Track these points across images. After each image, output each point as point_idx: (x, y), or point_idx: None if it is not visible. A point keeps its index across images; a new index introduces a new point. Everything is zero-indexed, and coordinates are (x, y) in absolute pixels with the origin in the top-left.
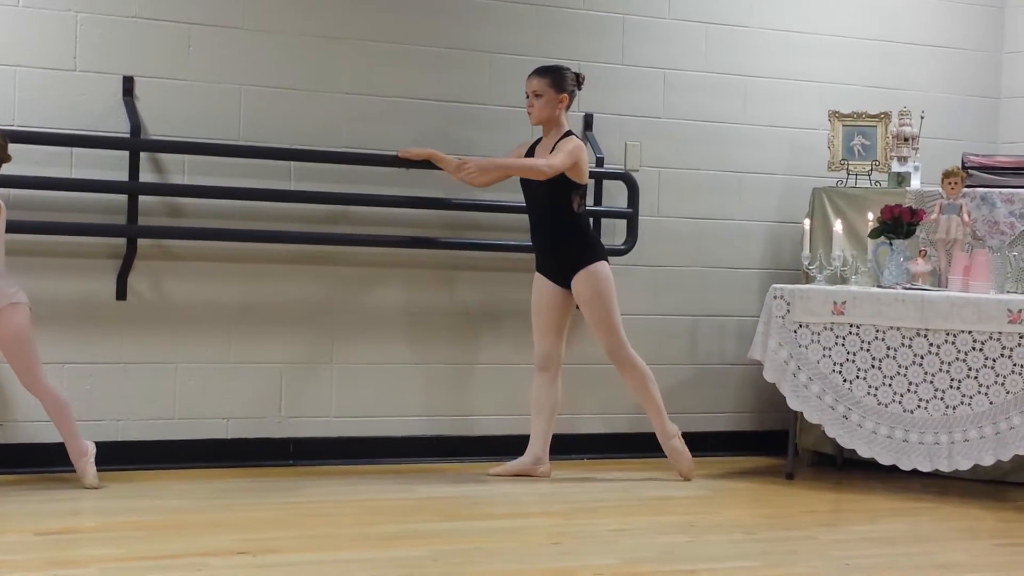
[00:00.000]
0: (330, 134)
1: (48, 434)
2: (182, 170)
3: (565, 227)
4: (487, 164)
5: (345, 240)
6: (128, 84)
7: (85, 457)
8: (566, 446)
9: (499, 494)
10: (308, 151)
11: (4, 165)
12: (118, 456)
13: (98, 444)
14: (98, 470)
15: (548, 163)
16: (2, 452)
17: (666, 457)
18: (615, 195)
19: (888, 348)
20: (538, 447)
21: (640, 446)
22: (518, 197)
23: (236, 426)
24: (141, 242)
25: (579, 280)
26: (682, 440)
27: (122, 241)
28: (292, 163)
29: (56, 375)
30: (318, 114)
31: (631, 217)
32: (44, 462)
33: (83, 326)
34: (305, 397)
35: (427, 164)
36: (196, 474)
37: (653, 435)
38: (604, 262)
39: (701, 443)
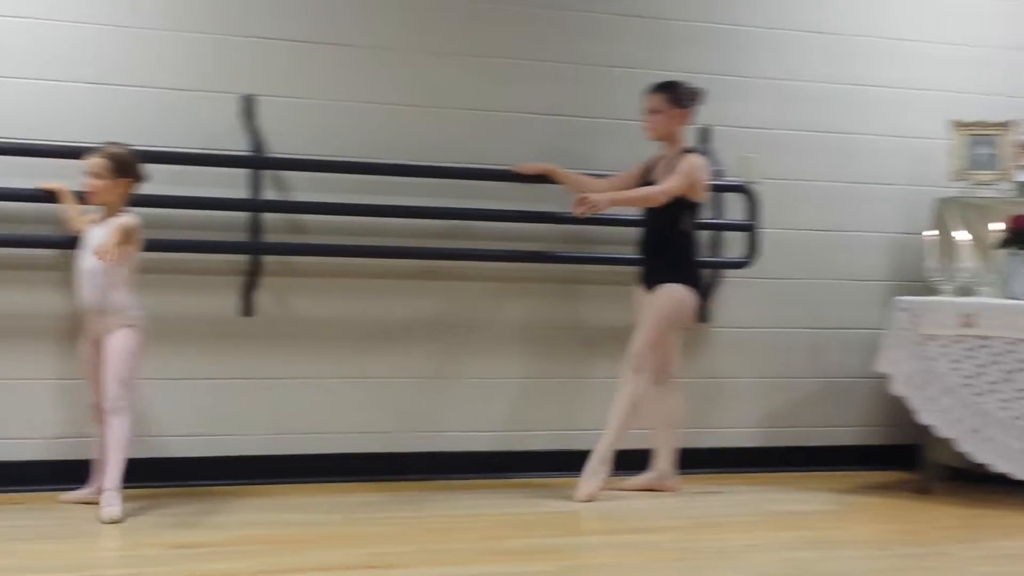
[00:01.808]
0: (448, 149)
1: (183, 448)
2: (303, 187)
3: (667, 243)
4: (605, 200)
5: (464, 255)
6: (248, 103)
7: (112, 491)
8: (692, 460)
9: (626, 509)
10: (426, 167)
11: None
12: (244, 471)
13: (220, 459)
14: (225, 484)
15: (662, 190)
16: (139, 466)
17: (782, 472)
18: (734, 207)
19: (1020, 360)
20: (663, 461)
21: (767, 460)
22: (630, 211)
23: (359, 441)
24: (265, 259)
25: (657, 292)
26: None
27: (246, 258)
28: (410, 179)
29: (181, 390)
30: (435, 130)
31: (751, 230)
32: (180, 476)
33: (209, 342)
34: (427, 411)
35: (545, 179)
36: (321, 488)
37: (779, 449)
38: (687, 288)
39: (826, 457)
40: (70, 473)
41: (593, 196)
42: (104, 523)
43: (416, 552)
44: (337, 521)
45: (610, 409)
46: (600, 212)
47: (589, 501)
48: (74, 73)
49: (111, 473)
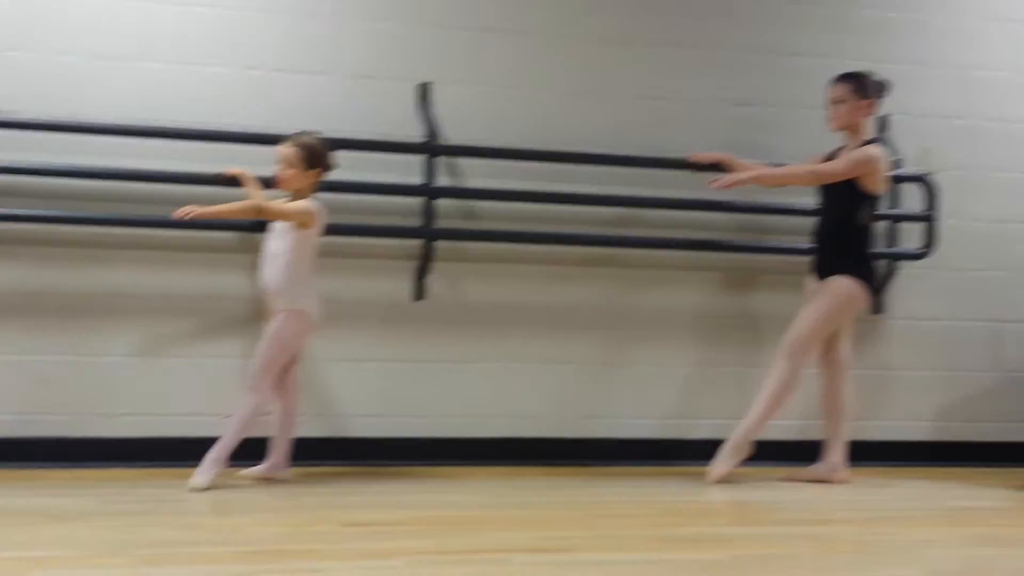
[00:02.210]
0: (622, 137)
1: (358, 428)
2: (476, 174)
3: (842, 234)
4: (747, 176)
5: (636, 243)
6: (424, 90)
7: (212, 461)
8: (863, 452)
9: (796, 500)
10: (599, 155)
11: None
12: (416, 452)
13: (395, 441)
14: (398, 464)
15: (813, 169)
16: (313, 445)
17: (955, 467)
18: (912, 198)
19: None
20: (833, 453)
21: (940, 455)
22: (806, 200)
23: (526, 425)
24: (438, 244)
25: (827, 283)
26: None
27: (419, 243)
28: (582, 166)
29: (357, 371)
30: (609, 117)
31: (929, 220)
32: (355, 456)
33: (382, 325)
34: (594, 398)
35: (718, 168)
36: (490, 472)
37: (953, 443)
38: (858, 282)
39: (1002, 453)
40: (249, 450)
41: (735, 174)
42: (190, 490)
43: (586, 537)
44: (507, 504)
45: (758, 394)
46: (772, 184)
47: (719, 482)
48: (257, 60)
49: (219, 444)
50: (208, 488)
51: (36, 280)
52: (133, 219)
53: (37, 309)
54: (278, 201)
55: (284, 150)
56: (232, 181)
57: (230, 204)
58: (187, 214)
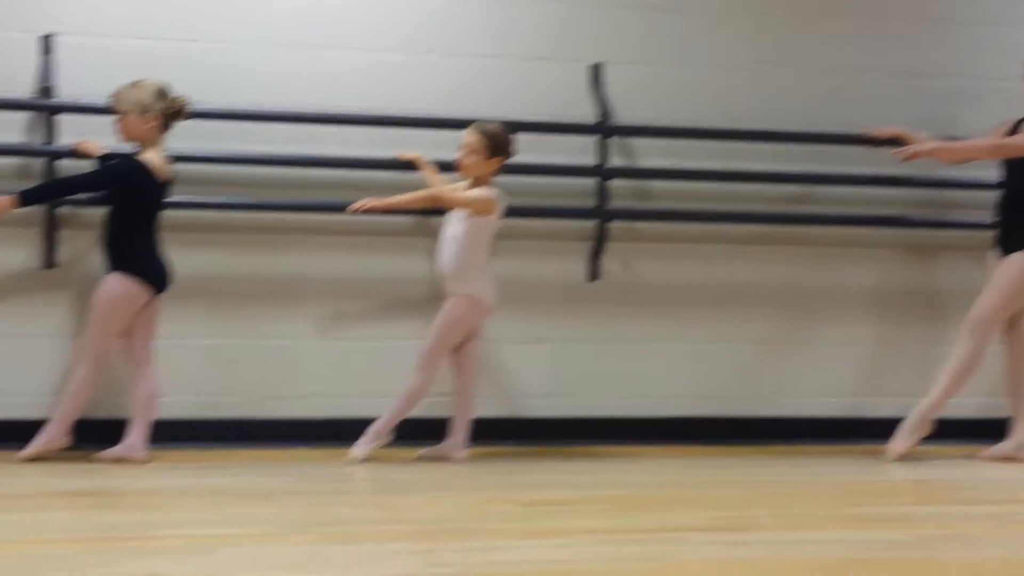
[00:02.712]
0: (797, 113)
1: (535, 408)
2: (649, 153)
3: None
4: (927, 148)
5: (814, 220)
6: (596, 71)
7: (372, 434)
8: None
9: (980, 479)
10: (773, 131)
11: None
12: (592, 432)
13: (570, 420)
14: (571, 445)
15: (1012, 142)
16: (490, 425)
17: None
18: None
19: None
20: (1019, 431)
21: None
22: (984, 174)
23: (706, 404)
24: (611, 224)
25: (1008, 258)
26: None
27: (593, 224)
28: (757, 143)
29: (531, 353)
30: (784, 93)
31: None
32: (533, 435)
33: (557, 306)
34: (772, 376)
35: (895, 143)
36: (667, 451)
37: None
38: None
39: None
40: (428, 430)
41: (948, 144)
42: (347, 461)
43: (766, 516)
44: (684, 483)
45: (941, 371)
46: (954, 159)
47: (899, 460)
48: (432, 45)
49: (385, 418)
50: (366, 459)
51: (222, 266)
52: (315, 204)
53: (223, 294)
54: (456, 188)
55: (468, 137)
56: (408, 165)
57: (407, 195)
58: (363, 207)
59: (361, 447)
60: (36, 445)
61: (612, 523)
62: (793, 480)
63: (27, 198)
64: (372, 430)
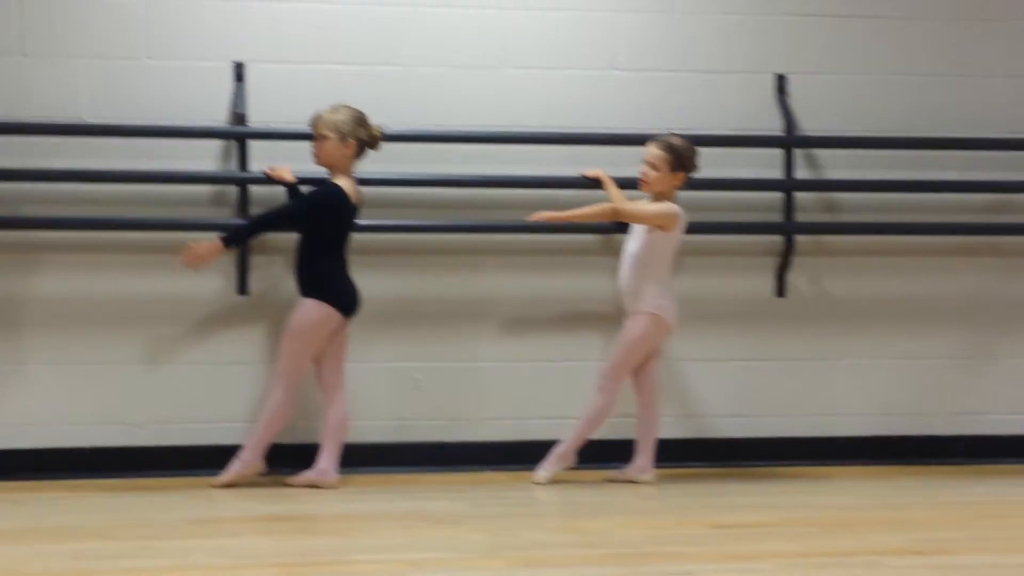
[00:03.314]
0: (987, 120)
1: (722, 428)
2: (836, 165)
3: None
4: None
5: (1011, 230)
6: (781, 82)
7: (557, 456)
8: None
9: None
10: (966, 139)
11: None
12: (781, 452)
13: (758, 440)
14: (760, 466)
15: None
16: (676, 446)
17: None
18: None
19: None
20: None
21: None
22: None
23: (897, 422)
24: (799, 239)
25: None
26: None
27: (779, 238)
28: (949, 152)
29: (716, 372)
30: (973, 99)
31: None
32: (720, 456)
33: (744, 323)
34: (968, 393)
35: None
36: (859, 471)
37: None
38: None
39: None
40: (614, 451)
41: None
42: (532, 483)
43: (964, 539)
44: (877, 504)
45: None
46: None
47: None
48: (611, 61)
49: (569, 440)
50: (549, 482)
51: (408, 288)
52: (500, 225)
53: (410, 316)
54: (639, 203)
55: (650, 152)
56: (592, 183)
57: (587, 207)
58: (543, 218)
59: (545, 470)
60: (231, 471)
61: (806, 546)
62: (992, 501)
63: (232, 240)
64: (556, 453)
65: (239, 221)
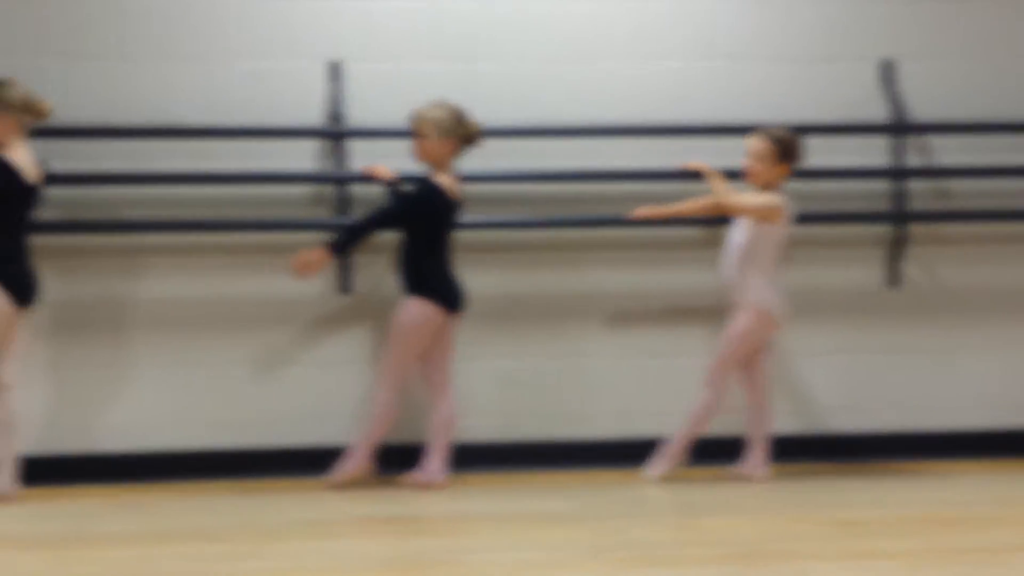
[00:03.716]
0: None
1: (834, 423)
2: (949, 151)
3: None
4: None
5: None
6: (888, 68)
7: (665, 457)
8: None
9: None
10: None
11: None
12: (896, 447)
13: (872, 435)
14: (875, 461)
15: None
16: (788, 442)
17: None
18: None
19: None
20: None
21: None
22: None
23: (1017, 416)
24: (911, 227)
25: None
26: None
27: (889, 228)
28: None
29: (827, 366)
30: None
31: None
32: (831, 451)
33: (854, 316)
34: None
35: None
36: (980, 466)
37: None
38: None
39: None
40: (725, 448)
41: None
42: (642, 478)
43: None
44: (1001, 500)
45: None
46: None
47: None
48: (710, 51)
49: (678, 438)
50: (659, 479)
51: (512, 285)
52: (603, 219)
53: (515, 313)
54: (741, 196)
55: (755, 143)
56: (693, 175)
57: (688, 202)
58: (643, 215)
59: (656, 467)
60: (340, 473)
61: (926, 544)
62: None
63: (338, 248)
64: (666, 451)
65: (342, 221)
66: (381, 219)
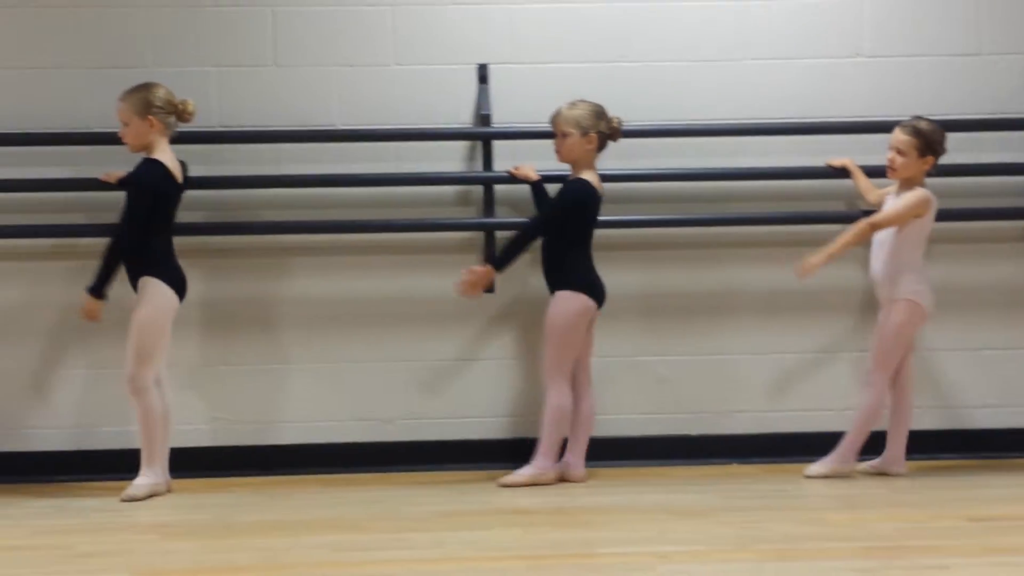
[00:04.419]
0: None
1: (978, 419)
2: None
3: None
4: None
5: None
6: None
7: (835, 458)
8: None
9: None
10: None
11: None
12: None
13: (1017, 431)
14: (1018, 457)
15: None
16: (930, 437)
17: None
18: None
19: None
20: None
21: None
22: None
23: None
24: None
25: None
26: None
27: None
28: None
29: (971, 361)
30: None
31: None
32: (974, 447)
33: (1000, 311)
34: None
35: None
36: None
37: None
38: None
39: None
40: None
41: None
42: (805, 476)
43: None
44: None
45: None
46: None
47: None
48: (855, 48)
49: (847, 441)
50: (823, 477)
51: (650, 282)
52: (745, 217)
53: (653, 310)
54: (889, 208)
55: (897, 137)
56: (838, 173)
57: (845, 235)
58: (809, 270)
59: (822, 465)
60: (528, 474)
61: None
62: None
63: (503, 262)
64: (838, 452)
65: (488, 220)
66: (540, 226)
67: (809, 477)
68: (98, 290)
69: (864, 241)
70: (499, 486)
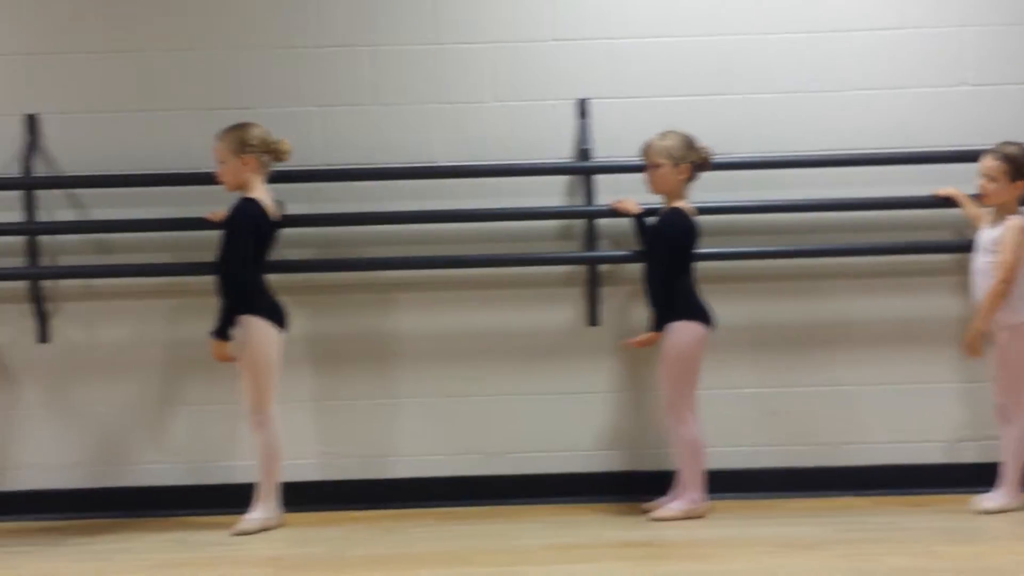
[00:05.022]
0: None
1: None
2: None
3: None
4: None
5: None
6: None
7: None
8: None
9: None
10: None
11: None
12: None
13: None
14: None
15: None
16: None
17: None
18: None
19: None
20: None
21: None
22: None
23: None
24: None
25: None
26: None
27: None
28: None
29: None
30: None
31: None
32: None
33: None
34: None
35: None
36: None
37: None
38: None
39: None
40: (981, 475)
41: None
42: (973, 511)
43: None
44: None
45: None
46: None
47: None
48: (961, 77)
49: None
50: (997, 511)
51: (755, 314)
52: (850, 248)
53: (759, 342)
54: (1002, 254)
55: (986, 164)
56: (944, 203)
57: (988, 304)
58: (976, 343)
59: (992, 500)
60: (680, 509)
61: None
62: None
63: (661, 320)
64: (1002, 485)
65: (589, 255)
66: (665, 269)
67: (977, 511)
68: (221, 332)
69: (1001, 304)
70: (650, 520)
